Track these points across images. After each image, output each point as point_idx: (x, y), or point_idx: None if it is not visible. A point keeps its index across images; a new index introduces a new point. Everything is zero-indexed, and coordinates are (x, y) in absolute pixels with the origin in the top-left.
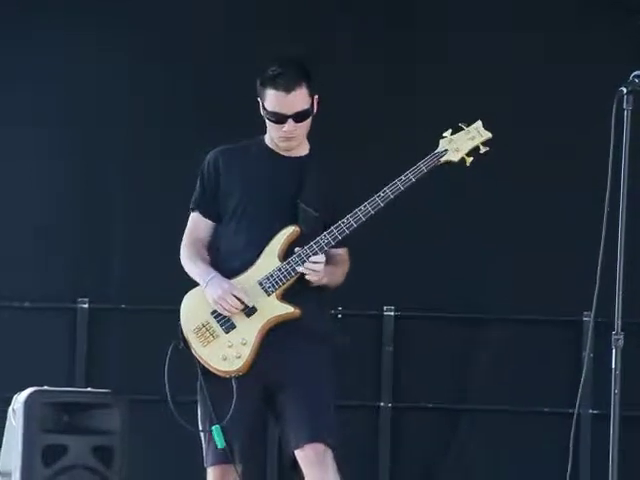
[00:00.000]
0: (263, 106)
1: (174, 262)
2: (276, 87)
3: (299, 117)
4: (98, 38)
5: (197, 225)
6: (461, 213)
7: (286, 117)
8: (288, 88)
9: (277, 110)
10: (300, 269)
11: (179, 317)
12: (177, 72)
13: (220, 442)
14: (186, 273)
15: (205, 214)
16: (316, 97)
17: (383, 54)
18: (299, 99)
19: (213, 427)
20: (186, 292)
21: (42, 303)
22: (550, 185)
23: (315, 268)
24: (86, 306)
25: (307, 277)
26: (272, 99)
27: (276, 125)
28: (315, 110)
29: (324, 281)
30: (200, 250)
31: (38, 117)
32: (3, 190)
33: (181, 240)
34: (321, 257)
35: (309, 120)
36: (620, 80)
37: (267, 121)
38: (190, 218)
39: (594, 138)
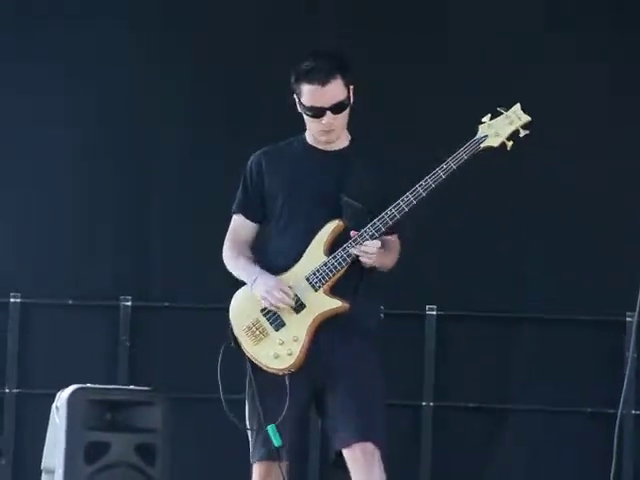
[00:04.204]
0: (300, 102)
1: (216, 260)
2: (311, 81)
3: (336, 109)
4: (137, 38)
5: (239, 227)
6: (503, 212)
7: (324, 110)
8: (323, 81)
9: (314, 104)
10: (354, 251)
11: (229, 317)
12: (215, 73)
13: (277, 441)
14: (227, 273)
15: (248, 216)
16: (352, 87)
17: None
18: (335, 91)
19: (268, 426)
20: (228, 290)
21: (85, 301)
22: (590, 184)
23: (369, 250)
24: (129, 304)
25: (361, 259)
26: (308, 93)
27: (315, 119)
28: (352, 100)
29: (376, 264)
30: (243, 250)
31: (76, 117)
32: (46, 189)
33: (223, 238)
34: (377, 242)
35: (346, 112)
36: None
37: (305, 116)
38: (232, 221)
39: (628, 138)
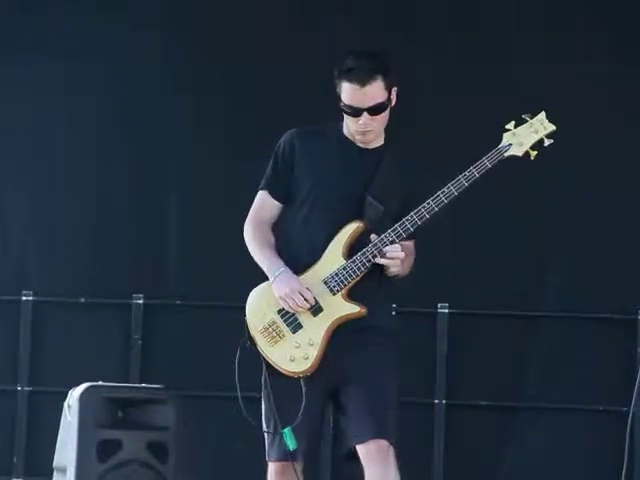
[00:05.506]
0: (340, 98)
1: (228, 259)
2: (350, 80)
3: (374, 111)
4: (162, 37)
5: (264, 204)
6: (516, 210)
7: (361, 110)
8: (362, 82)
9: (352, 103)
10: (382, 261)
11: (244, 316)
12: (238, 72)
13: (292, 444)
14: (240, 271)
15: (274, 195)
16: (395, 89)
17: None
18: (374, 92)
19: (285, 429)
20: (240, 288)
21: (97, 299)
22: (603, 184)
23: (397, 255)
24: (141, 302)
25: (391, 269)
26: (347, 92)
27: (352, 118)
28: (394, 102)
29: (397, 271)
30: (266, 233)
31: (93, 117)
32: (60, 188)
33: (236, 237)
34: (397, 246)
35: (385, 113)
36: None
37: (344, 114)
38: (258, 196)
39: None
